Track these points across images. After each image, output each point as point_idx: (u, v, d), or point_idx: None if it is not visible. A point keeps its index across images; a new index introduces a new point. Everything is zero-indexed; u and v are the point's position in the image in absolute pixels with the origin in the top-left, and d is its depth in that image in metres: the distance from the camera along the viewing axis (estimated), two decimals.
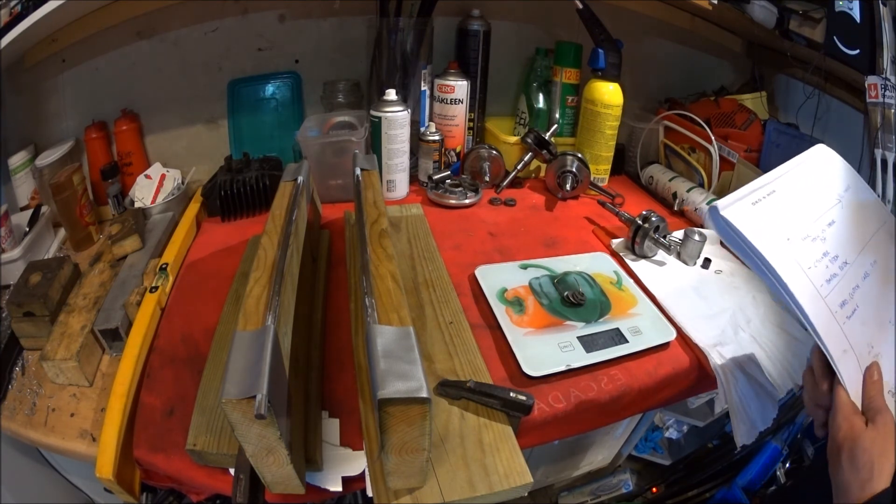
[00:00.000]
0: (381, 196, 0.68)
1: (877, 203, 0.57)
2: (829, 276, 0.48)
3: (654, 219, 0.84)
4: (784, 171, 0.53)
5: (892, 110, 0.86)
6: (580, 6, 0.98)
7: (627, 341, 0.66)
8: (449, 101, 1.05)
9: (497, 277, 0.76)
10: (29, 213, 0.88)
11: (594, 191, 1.09)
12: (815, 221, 0.51)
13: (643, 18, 1.17)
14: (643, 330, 0.68)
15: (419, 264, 0.79)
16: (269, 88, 1.05)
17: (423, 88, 1.06)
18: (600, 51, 1.01)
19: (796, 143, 1.04)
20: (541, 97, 1.15)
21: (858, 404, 0.46)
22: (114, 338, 0.66)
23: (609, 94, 1.03)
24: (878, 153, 0.88)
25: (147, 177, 0.95)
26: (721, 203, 0.48)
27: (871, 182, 0.90)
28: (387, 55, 1.01)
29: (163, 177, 0.96)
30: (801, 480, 0.89)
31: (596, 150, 1.08)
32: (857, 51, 0.91)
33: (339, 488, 0.50)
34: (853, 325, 0.48)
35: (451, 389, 0.56)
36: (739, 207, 0.48)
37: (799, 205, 0.51)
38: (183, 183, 0.98)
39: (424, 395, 0.39)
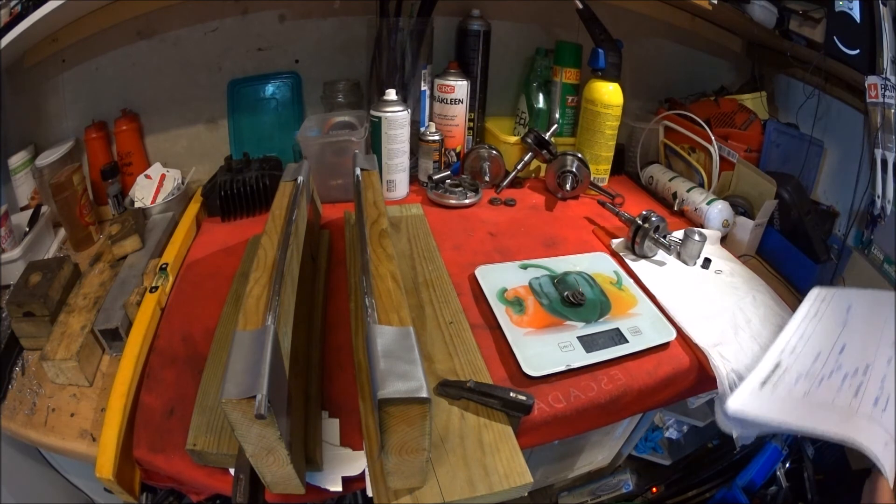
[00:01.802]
0: (381, 196, 0.68)
1: (882, 295, 0.58)
2: (855, 391, 0.49)
3: (654, 219, 0.84)
4: (786, 336, 0.56)
5: (892, 110, 0.86)
6: (580, 6, 0.98)
7: (627, 341, 0.66)
8: (449, 101, 1.05)
9: (497, 277, 0.76)
10: (29, 213, 0.88)
11: (594, 191, 1.09)
12: (826, 360, 0.53)
13: (643, 18, 1.17)
14: (643, 330, 0.68)
15: (419, 264, 0.79)
16: (269, 88, 1.05)
17: (423, 88, 1.06)
18: (600, 51, 1.01)
19: (796, 143, 1.04)
20: (541, 97, 1.15)
21: None
22: (114, 338, 0.66)
23: (609, 94, 1.03)
24: (878, 153, 0.88)
25: (147, 177, 0.95)
26: (730, 402, 0.50)
27: (871, 182, 0.90)
28: (387, 55, 1.01)
29: (163, 177, 0.96)
30: None
31: (596, 150, 1.08)
32: (857, 51, 0.90)
33: (339, 488, 0.50)
34: (890, 413, 0.48)
35: (451, 389, 0.56)
36: (745, 396, 0.51)
37: (807, 357, 0.53)
38: (183, 183, 0.98)
39: (424, 395, 0.40)
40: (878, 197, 0.89)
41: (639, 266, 0.84)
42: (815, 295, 0.62)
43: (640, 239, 0.84)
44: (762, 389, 0.52)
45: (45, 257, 0.86)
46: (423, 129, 1.05)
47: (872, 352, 0.52)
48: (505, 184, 1.07)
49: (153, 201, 0.92)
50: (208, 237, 0.88)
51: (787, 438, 1.00)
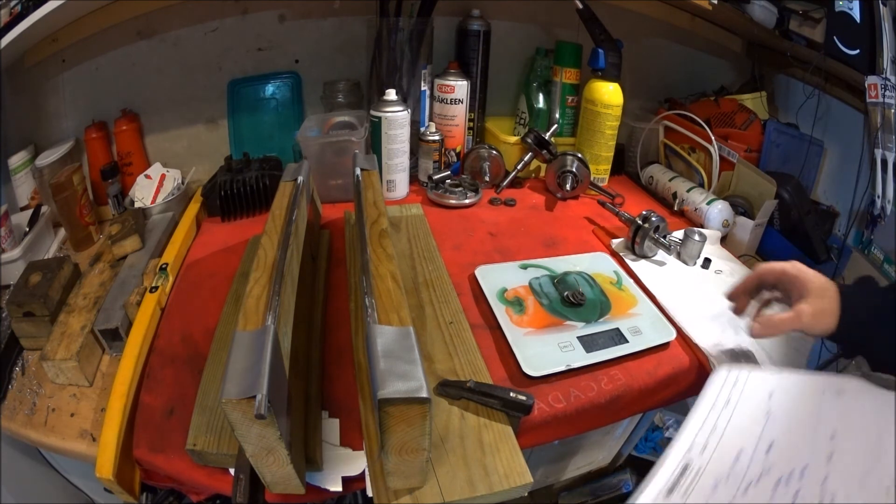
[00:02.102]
0: (381, 196, 0.68)
1: (808, 379, 0.51)
2: (793, 497, 0.41)
3: (654, 219, 0.84)
4: (692, 430, 0.46)
5: (892, 110, 0.86)
6: (580, 6, 0.98)
7: (627, 341, 0.66)
8: (449, 101, 1.05)
9: (497, 277, 0.76)
10: (29, 213, 0.88)
11: (594, 191, 1.09)
12: (751, 459, 0.44)
13: (643, 18, 1.17)
14: (643, 330, 0.68)
15: (419, 264, 0.79)
16: (269, 88, 1.05)
17: (423, 88, 1.06)
18: (600, 51, 1.01)
19: (796, 143, 1.04)
20: (541, 97, 1.15)
21: None
22: (114, 338, 0.66)
23: (609, 94, 1.03)
24: (878, 153, 0.88)
25: (147, 177, 0.95)
26: None
27: (871, 182, 0.90)
28: (387, 55, 1.01)
29: (163, 177, 0.96)
30: None
31: (596, 150, 1.08)
32: (857, 51, 0.91)
33: (339, 488, 0.50)
34: None
35: (451, 389, 0.56)
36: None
37: (726, 457, 0.44)
38: (183, 183, 0.98)
39: (424, 395, 0.39)
40: (878, 197, 0.89)
41: (639, 266, 0.84)
42: (723, 377, 0.51)
43: (640, 239, 0.84)
44: (670, 498, 0.41)
45: (45, 257, 0.86)
46: (423, 129, 1.05)
47: (807, 449, 0.44)
48: (505, 184, 1.07)
49: (153, 201, 0.92)
50: (208, 237, 0.88)
51: None
